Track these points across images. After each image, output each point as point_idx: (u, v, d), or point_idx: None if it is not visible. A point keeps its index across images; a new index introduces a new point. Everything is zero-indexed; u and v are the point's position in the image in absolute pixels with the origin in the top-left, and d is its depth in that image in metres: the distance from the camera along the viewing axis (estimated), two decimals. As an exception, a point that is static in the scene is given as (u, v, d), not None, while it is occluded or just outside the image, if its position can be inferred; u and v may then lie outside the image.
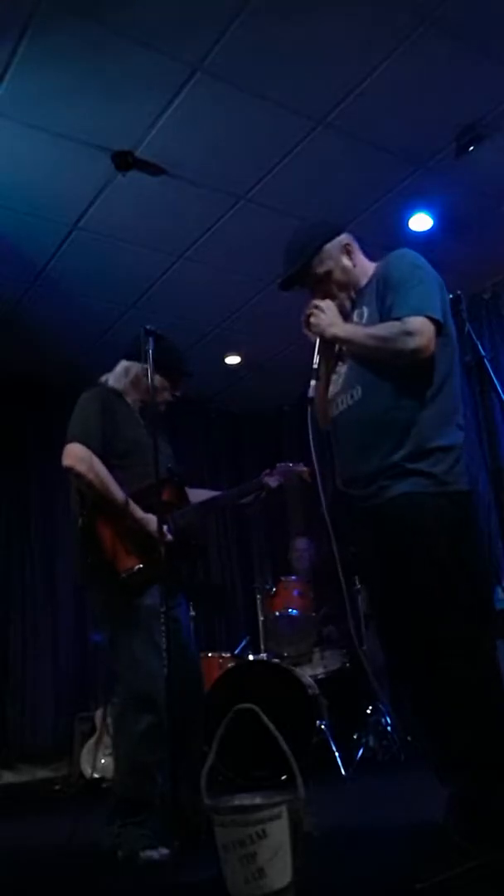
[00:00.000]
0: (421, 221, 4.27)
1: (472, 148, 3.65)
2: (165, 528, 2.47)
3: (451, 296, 2.14)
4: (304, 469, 2.97)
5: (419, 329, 1.93)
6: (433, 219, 4.26)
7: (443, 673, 1.84)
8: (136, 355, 2.69)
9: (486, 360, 2.21)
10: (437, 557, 1.89)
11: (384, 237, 4.11)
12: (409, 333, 1.93)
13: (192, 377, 2.85)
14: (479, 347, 2.20)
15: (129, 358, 2.76)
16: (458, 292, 2.18)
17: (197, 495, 2.84)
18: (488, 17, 3.01)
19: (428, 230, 4.33)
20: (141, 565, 2.44)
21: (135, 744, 2.36)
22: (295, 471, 2.98)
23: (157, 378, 2.62)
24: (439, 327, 1.97)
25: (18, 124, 3.31)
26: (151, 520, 2.40)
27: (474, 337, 2.18)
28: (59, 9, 2.79)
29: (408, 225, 4.27)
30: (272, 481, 2.90)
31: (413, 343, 1.92)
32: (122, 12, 2.84)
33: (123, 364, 2.78)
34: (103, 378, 2.79)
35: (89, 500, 2.52)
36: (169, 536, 2.49)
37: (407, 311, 1.96)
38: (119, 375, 2.77)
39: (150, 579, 2.43)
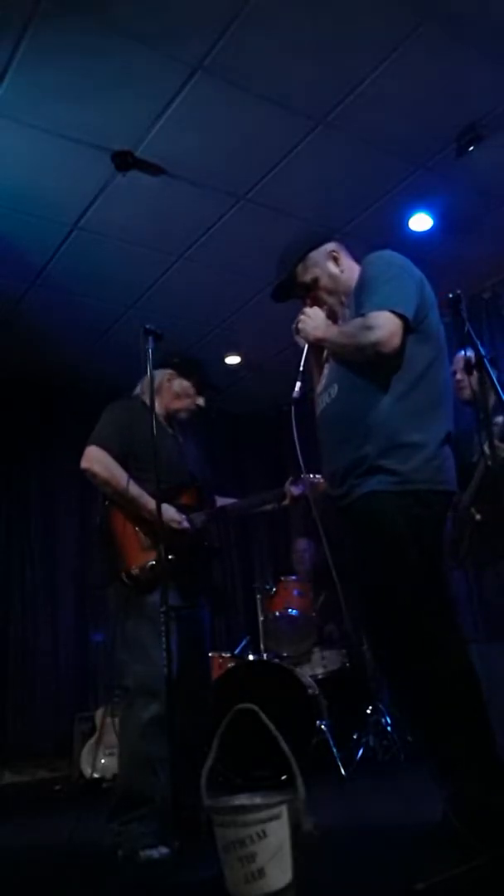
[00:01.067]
0: (421, 221, 4.27)
1: (472, 148, 3.64)
2: (184, 518, 2.62)
3: (450, 295, 2.14)
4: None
5: (380, 323, 1.94)
6: (433, 219, 4.25)
7: (413, 672, 1.86)
8: (164, 365, 2.83)
9: (486, 360, 2.21)
10: (402, 557, 1.89)
11: (384, 237, 4.12)
12: (368, 327, 1.95)
13: (219, 392, 2.91)
14: (479, 347, 2.21)
15: (158, 367, 2.85)
16: (458, 292, 2.18)
17: (224, 502, 2.94)
18: (488, 16, 3.01)
19: (428, 230, 4.32)
20: (154, 562, 2.53)
21: (139, 733, 2.40)
22: (319, 483, 2.97)
23: (180, 382, 2.84)
24: (407, 322, 1.98)
25: (18, 124, 3.31)
26: (165, 509, 2.52)
27: (474, 337, 2.18)
28: (59, 8, 2.79)
29: (408, 225, 4.27)
30: (295, 490, 2.89)
31: (372, 336, 1.94)
32: (122, 12, 2.84)
33: (151, 374, 2.85)
34: (137, 389, 2.90)
35: (108, 499, 2.66)
36: (185, 524, 2.62)
37: (371, 308, 1.98)
38: (145, 385, 2.85)
39: (164, 576, 2.48)
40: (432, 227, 4.31)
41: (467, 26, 3.05)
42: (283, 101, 3.35)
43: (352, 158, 3.75)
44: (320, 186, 3.92)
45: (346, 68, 3.22)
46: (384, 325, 1.94)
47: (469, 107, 3.49)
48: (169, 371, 2.87)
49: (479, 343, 2.20)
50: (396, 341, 1.95)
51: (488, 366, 2.20)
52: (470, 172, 3.88)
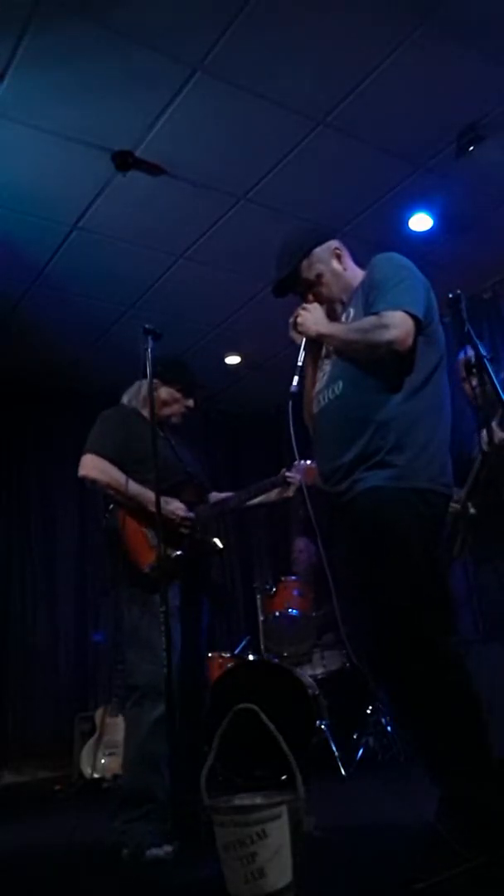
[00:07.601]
0: (421, 221, 4.27)
1: (472, 148, 3.64)
2: (188, 512, 2.68)
3: (450, 295, 2.15)
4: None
5: (395, 322, 1.96)
6: (433, 219, 4.25)
7: (407, 673, 1.85)
8: (154, 374, 2.81)
9: (486, 361, 2.21)
10: (406, 554, 1.89)
11: (384, 237, 4.12)
12: (384, 326, 1.96)
13: (205, 388, 2.91)
14: (480, 347, 2.21)
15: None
16: (458, 292, 2.18)
17: (221, 497, 2.97)
18: (488, 17, 3.01)
19: (428, 230, 4.32)
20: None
21: (147, 732, 2.42)
22: (311, 468, 2.96)
23: (166, 389, 2.85)
24: (418, 323, 1.99)
25: (18, 124, 3.31)
26: (168, 501, 2.56)
27: (474, 337, 2.19)
28: (59, 9, 2.79)
29: (408, 225, 4.27)
30: (290, 475, 2.90)
31: (388, 335, 1.95)
32: (122, 12, 2.84)
33: (138, 383, 2.89)
34: (125, 398, 2.94)
35: (112, 501, 2.70)
36: (189, 514, 2.67)
37: (385, 306, 1.99)
38: (132, 394, 2.91)
39: (172, 573, 2.54)
40: (432, 227, 4.31)
41: (467, 26, 3.05)
42: (283, 101, 3.35)
43: (352, 158, 3.75)
44: (320, 186, 3.92)
45: (346, 68, 3.22)
46: (400, 325, 1.95)
47: (469, 107, 3.49)
48: (154, 380, 2.87)
49: (479, 343, 2.20)
50: (410, 341, 1.97)
51: (488, 366, 2.20)
52: (470, 172, 3.88)
